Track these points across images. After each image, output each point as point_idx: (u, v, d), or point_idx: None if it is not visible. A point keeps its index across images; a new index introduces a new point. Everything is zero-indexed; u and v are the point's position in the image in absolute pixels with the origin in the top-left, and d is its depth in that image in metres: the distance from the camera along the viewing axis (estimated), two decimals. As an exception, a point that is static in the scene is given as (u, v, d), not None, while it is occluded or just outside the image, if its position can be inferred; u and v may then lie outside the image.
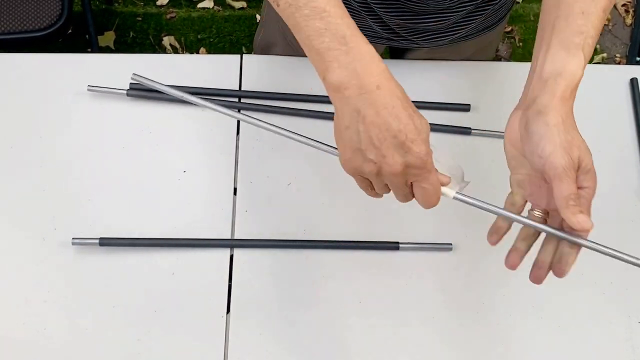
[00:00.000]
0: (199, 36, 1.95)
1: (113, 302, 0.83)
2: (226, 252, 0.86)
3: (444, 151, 0.66)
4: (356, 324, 0.83)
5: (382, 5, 0.86)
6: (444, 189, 0.64)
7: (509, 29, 2.05)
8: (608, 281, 0.87)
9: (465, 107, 0.97)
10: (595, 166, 0.96)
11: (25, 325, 0.81)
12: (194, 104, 0.72)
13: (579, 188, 0.61)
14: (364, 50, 0.59)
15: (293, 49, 0.98)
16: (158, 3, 2.00)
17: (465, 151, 0.96)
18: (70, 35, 1.88)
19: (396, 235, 0.88)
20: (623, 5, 2.12)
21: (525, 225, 0.66)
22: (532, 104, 0.62)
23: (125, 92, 0.93)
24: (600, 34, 2.12)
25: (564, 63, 0.62)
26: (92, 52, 1.72)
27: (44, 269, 0.84)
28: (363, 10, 0.88)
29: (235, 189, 0.90)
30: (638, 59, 1.96)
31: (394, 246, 0.87)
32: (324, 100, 0.95)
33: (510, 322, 0.84)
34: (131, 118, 0.94)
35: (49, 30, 1.43)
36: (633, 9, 2.11)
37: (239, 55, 0.99)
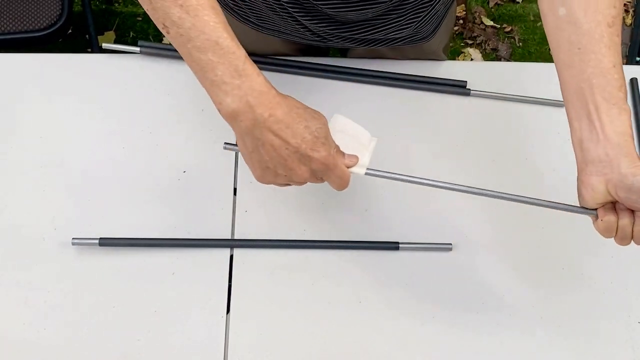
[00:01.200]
0: (199, 36, 1.95)
1: (113, 302, 0.83)
2: (226, 252, 0.86)
3: (346, 119, 0.72)
4: (356, 324, 0.83)
5: (306, 17, 0.86)
6: (354, 169, 0.70)
7: (508, 28, 2.05)
8: (608, 281, 0.87)
9: (465, 92, 0.98)
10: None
11: (25, 325, 0.81)
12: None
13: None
14: (256, 83, 0.63)
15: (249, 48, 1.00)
16: (158, 3, 2.00)
17: (465, 112, 0.96)
18: (70, 35, 1.87)
19: (396, 235, 0.88)
20: (623, 5, 2.12)
21: (456, 190, 0.75)
22: (616, 169, 0.65)
23: (137, 50, 0.96)
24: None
25: (622, 121, 0.66)
26: (92, 52, 1.72)
27: (44, 269, 0.84)
28: (289, 17, 0.89)
29: (235, 189, 0.90)
30: (638, 59, 1.96)
31: (393, 246, 0.87)
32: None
33: (510, 322, 0.84)
34: (132, 118, 0.94)
35: (49, 30, 1.43)
36: (633, 9, 2.11)
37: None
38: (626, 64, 2.03)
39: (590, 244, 0.90)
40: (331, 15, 0.85)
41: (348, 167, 0.69)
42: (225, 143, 0.73)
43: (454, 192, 0.92)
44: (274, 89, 0.65)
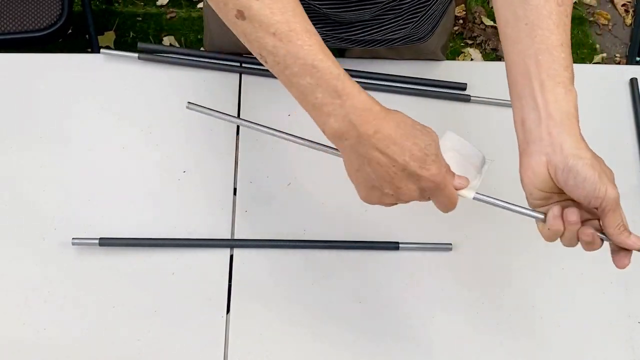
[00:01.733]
0: (199, 36, 1.95)
1: (113, 302, 0.83)
2: (226, 252, 0.86)
3: (458, 137, 0.68)
4: (356, 324, 0.83)
5: None
6: (462, 192, 0.66)
7: (509, 29, 2.05)
8: (608, 281, 0.87)
9: (465, 98, 0.98)
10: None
11: (25, 325, 0.81)
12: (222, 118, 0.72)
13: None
14: (358, 101, 0.60)
15: (241, 48, 0.99)
16: (158, 3, 2.00)
17: (465, 119, 0.96)
18: (70, 35, 1.87)
19: (396, 235, 0.88)
20: (623, 5, 2.12)
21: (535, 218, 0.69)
22: (558, 149, 0.63)
23: (135, 56, 0.96)
24: (600, 34, 2.13)
25: (567, 101, 0.63)
26: (92, 52, 1.72)
27: (44, 269, 0.84)
28: None
29: (235, 189, 0.90)
30: (638, 59, 1.96)
31: (393, 246, 0.87)
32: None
33: (510, 322, 0.84)
34: (132, 117, 0.94)
35: (49, 30, 1.43)
36: (633, 9, 2.11)
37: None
38: (626, 64, 2.03)
39: (590, 244, 0.90)
40: (329, 15, 0.85)
41: (457, 189, 0.65)
42: (189, 102, 0.70)
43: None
44: (379, 104, 0.62)
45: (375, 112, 0.61)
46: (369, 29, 0.90)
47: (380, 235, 0.88)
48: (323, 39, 0.87)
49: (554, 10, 0.64)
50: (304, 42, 0.60)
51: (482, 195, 0.67)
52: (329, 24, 0.87)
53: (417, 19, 0.90)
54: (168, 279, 0.84)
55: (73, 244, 0.84)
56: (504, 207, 0.67)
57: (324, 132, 0.63)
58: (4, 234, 0.86)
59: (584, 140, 0.64)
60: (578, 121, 0.64)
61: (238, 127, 0.94)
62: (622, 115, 0.99)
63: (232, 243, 0.87)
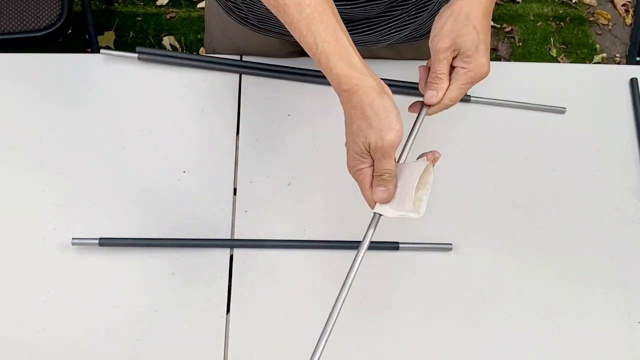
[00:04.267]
0: (198, 36, 1.95)
1: (113, 302, 0.83)
2: (226, 252, 0.86)
3: (416, 180, 0.67)
4: (356, 324, 0.83)
5: None
6: (377, 208, 0.68)
7: (508, 28, 2.05)
8: (608, 281, 0.87)
9: (465, 98, 0.98)
10: (595, 166, 0.96)
11: (25, 325, 0.81)
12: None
13: (461, 68, 0.70)
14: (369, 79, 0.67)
15: (240, 49, 1.00)
16: (158, 3, 2.00)
17: (465, 119, 0.96)
18: (70, 35, 1.87)
19: (396, 235, 0.88)
20: (623, 5, 2.12)
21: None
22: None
23: (135, 56, 0.96)
24: (600, 34, 2.13)
25: None
26: (92, 52, 1.72)
27: (44, 269, 0.84)
28: None
29: (235, 189, 0.90)
30: (638, 59, 1.96)
31: (393, 246, 0.87)
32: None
33: (510, 322, 0.84)
34: (132, 117, 0.94)
35: (49, 30, 1.43)
36: (633, 9, 2.11)
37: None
38: (626, 64, 2.04)
39: (590, 244, 0.90)
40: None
41: (374, 199, 0.67)
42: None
43: (454, 192, 0.92)
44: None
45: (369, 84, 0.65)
46: (375, 26, 0.89)
47: (380, 235, 0.88)
48: None
49: None
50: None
51: (379, 214, 0.69)
52: None
53: (422, 16, 0.90)
54: (168, 279, 0.84)
55: (73, 244, 0.84)
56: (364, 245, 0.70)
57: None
58: (4, 234, 0.86)
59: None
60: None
61: (238, 127, 0.94)
62: (622, 115, 0.99)
63: (232, 243, 0.87)
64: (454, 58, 0.71)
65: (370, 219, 0.69)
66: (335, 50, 0.65)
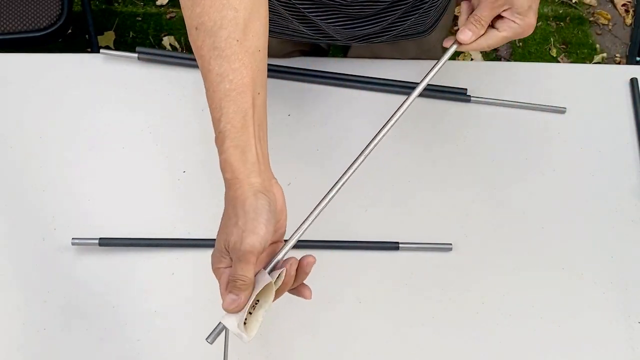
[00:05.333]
0: (199, 36, 1.95)
1: (113, 302, 0.83)
2: (226, 252, 0.86)
3: (268, 304, 0.63)
4: (356, 324, 0.83)
5: (317, 14, 0.86)
6: (224, 318, 0.61)
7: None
8: (608, 281, 0.87)
9: (465, 99, 0.98)
10: (595, 166, 0.96)
11: (25, 325, 0.81)
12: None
13: (512, 21, 0.72)
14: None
15: None
16: (158, 3, 2.00)
17: (465, 119, 0.96)
18: (70, 35, 1.88)
19: (396, 235, 0.88)
20: (623, 5, 2.12)
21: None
22: None
23: (135, 56, 0.96)
24: (600, 34, 2.13)
25: None
26: (92, 52, 1.72)
27: (43, 269, 0.84)
28: (294, 18, 0.88)
29: (235, 189, 0.90)
30: (638, 59, 1.96)
31: (394, 246, 0.87)
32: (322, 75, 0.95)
33: (510, 322, 0.84)
34: (132, 117, 0.94)
35: (49, 30, 1.43)
36: (633, 9, 2.11)
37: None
38: (626, 64, 2.03)
39: (590, 244, 0.90)
40: (345, 8, 0.85)
41: (222, 306, 0.61)
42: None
43: (454, 192, 0.92)
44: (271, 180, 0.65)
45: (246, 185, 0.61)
46: (378, 20, 0.89)
47: (380, 235, 0.88)
48: (329, 35, 0.88)
49: None
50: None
51: (216, 331, 0.64)
52: (343, 18, 0.87)
53: (423, 7, 0.91)
54: (168, 279, 0.84)
55: (73, 244, 0.84)
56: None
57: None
58: (4, 234, 0.86)
59: None
60: None
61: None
62: (622, 115, 0.99)
63: (232, 243, 0.86)
64: (504, 11, 0.72)
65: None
66: (235, 136, 0.61)
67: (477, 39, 0.73)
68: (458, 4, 0.80)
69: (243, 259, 0.59)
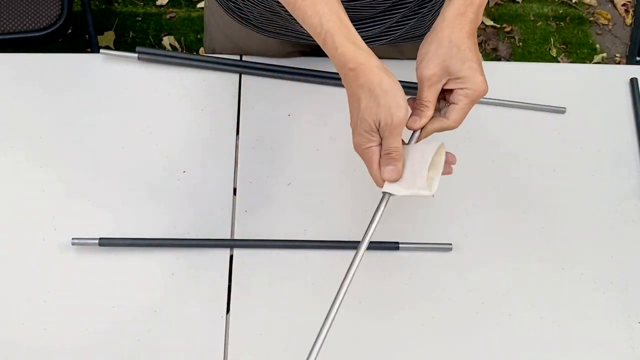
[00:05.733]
0: (198, 36, 1.95)
1: (113, 302, 0.83)
2: (226, 252, 0.86)
3: (428, 160, 0.68)
4: (356, 324, 0.83)
5: None
6: (386, 187, 0.69)
7: (508, 28, 2.05)
8: (608, 281, 0.87)
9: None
10: (595, 166, 0.96)
11: (25, 325, 0.81)
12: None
13: (458, 89, 0.70)
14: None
15: (240, 49, 1.00)
16: (158, 3, 2.00)
17: (465, 119, 0.96)
18: (70, 35, 1.87)
19: (396, 235, 0.88)
20: (623, 5, 2.12)
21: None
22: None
23: (135, 56, 0.95)
24: (600, 34, 2.13)
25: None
26: (92, 52, 1.72)
27: (44, 269, 0.84)
28: (292, 19, 0.88)
29: (235, 189, 0.90)
30: (638, 59, 1.96)
31: (393, 246, 0.87)
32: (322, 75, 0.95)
33: (510, 322, 0.84)
34: (132, 117, 0.94)
35: (49, 30, 1.43)
36: (633, 9, 2.11)
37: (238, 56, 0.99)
38: (626, 64, 2.03)
39: (590, 244, 0.90)
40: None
41: (383, 178, 0.69)
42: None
43: (454, 192, 0.92)
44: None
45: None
46: (376, 23, 0.89)
47: (380, 235, 0.88)
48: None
49: None
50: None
51: (389, 194, 0.69)
52: None
53: (422, 12, 0.90)
54: (168, 279, 0.84)
55: (73, 244, 0.84)
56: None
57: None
58: (4, 234, 0.86)
59: (459, 22, 0.70)
60: (465, 3, 0.70)
61: (238, 127, 0.94)
62: (622, 115, 0.99)
63: (232, 243, 0.87)
64: (446, 83, 0.70)
65: (380, 199, 0.70)
66: (340, 30, 0.66)
67: (431, 121, 0.71)
68: None
69: (395, 132, 0.66)
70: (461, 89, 0.69)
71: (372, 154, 0.68)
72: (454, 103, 0.70)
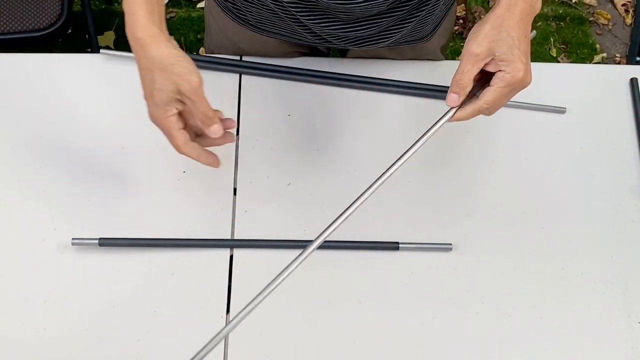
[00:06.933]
0: (198, 36, 1.95)
1: (113, 302, 0.83)
2: (226, 252, 0.86)
3: None
4: (356, 324, 0.83)
5: (309, 16, 0.86)
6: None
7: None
8: (608, 281, 0.87)
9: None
10: (595, 166, 0.96)
11: (25, 325, 0.81)
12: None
13: (498, 71, 0.71)
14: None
15: (240, 50, 1.01)
16: (158, 3, 2.00)
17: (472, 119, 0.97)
18: (70, 35, 1.87)
19: (396, 235, 0.88)
20: (623, 5, 2.11)
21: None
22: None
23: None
24: (600, 34, 2.13)
25: None
26: (92, 52, 1.72)
27: (44, 269, 0.84)
28: (288, 19, 0.89)
29: (235, 189, 0.90)
30: (638, 59, 1.96)
31: (393, 246, 0.87)
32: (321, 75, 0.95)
33: (510, 322, 0.84)
34: (131, 117, 0.94)
35: (49, 30, 1.43)
36: (633, 9, 2.11)
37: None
38: (626, 64, 2.03)
39: (590, 244, 0.90)
40: (334, 11, 0.85)
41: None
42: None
43: (454, 192, 0.92)
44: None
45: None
46: (374, 24, 0.89)
47: (380, 235, 0.88)
48: (325, 39, 0.89)
49: None
50: None
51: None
52: (334, 21, 0.87)
53: (420, 15, 0.90)
54: (168, 279, 0.84)
55: (73, 244, 0.84)
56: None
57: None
58: (3, 234, 0.86)
59: (510, 12, 0.71)
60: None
61: (238, 127, 0.94)
62: (622, 115, 0.99)
63: (232, 243, 0.87)
64: (489, 63, 0.71)
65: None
66: (146, 5, 0.69)
67: (469, 101, 0.72)
68: (459, 4, 0.80)
69: (199, 95, 0.69)
70: (500, 70, 0.70)
71: (171, 124, 0.71)
72: (492, 84, 0.71)
